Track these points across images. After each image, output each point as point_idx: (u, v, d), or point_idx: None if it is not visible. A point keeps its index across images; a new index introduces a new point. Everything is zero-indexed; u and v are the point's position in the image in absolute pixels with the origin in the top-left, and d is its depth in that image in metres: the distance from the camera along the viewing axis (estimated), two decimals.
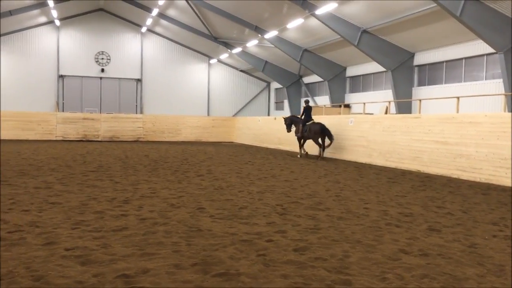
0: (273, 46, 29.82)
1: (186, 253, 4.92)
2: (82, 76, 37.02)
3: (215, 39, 33.47)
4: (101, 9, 36.71)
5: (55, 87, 36.33)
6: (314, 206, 7.95)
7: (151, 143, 29.20)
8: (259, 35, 28.89)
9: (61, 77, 36.50)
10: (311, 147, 19.64)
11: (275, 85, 40.42)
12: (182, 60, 39.52)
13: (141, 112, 37.70)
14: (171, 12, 32.20)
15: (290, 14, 24.57)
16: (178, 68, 39.42)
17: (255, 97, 41.66)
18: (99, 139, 30.38)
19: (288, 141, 23.56)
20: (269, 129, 27.09)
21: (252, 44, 31.48)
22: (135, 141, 30.82)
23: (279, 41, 28.97)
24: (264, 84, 41.80)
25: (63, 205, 7.51)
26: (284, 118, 20.75)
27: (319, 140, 18.20)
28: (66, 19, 35.85)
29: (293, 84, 36.28)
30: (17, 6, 29.33)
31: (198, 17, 30.08)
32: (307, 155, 19.37)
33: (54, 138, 29.50)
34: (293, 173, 13.28)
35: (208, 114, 39.55)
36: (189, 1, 28.13)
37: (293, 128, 19.64)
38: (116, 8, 35.80)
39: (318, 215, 7.17)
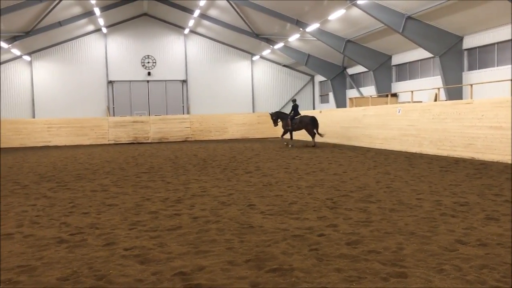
0: (315, 39, 29.58)
1: (239, 249, 5.01)
2: (130, 81, 38.11)
3: (257, 35, 33.57)
4: (145, 14, 37.62)
5: (105, 92, 37.60)
6: (365, 199, 7.86)
7: (199, 142, 29.69)
8: (301, 29, 28.73)
9: (110, 82, 37.72)
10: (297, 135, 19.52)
11: (319, 78, 40.10)
12: (225, 58, 39.90)
13: (188, 113, 38.38)
14: (212, 12, 32.56)
15: (331, 6, 24.28)
16: (222, 67, 39.83)
17: (299, 91, 41.49)
18: (149, 141, 31.19)
19: (336, 133, 23.34)
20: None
21: (294, 39, 31.35)
22: (183, 141, 31.42)
23: (321, 33, 28.69)
24: (308, 77, 41.55)
25: (119, 207, 7.79)
26: (270, 114, 23.44)
27: (311, 130, 21.36)
28: (112, 26, 37.00)
29: (337, 76, 35.86)
30: (66, 16, 30.53)
31: (239, 15, 30.26)
32: (291, 145, 22.16)
33: (107, 142, 30.54)
34: (341, 166, 13.16)
35: (253, 111, 39.76)
36: (230, 0, 28.34)
37: (280, 123, 22.77)
38: (159, 12, 36.58)
39: (369, 208, 7.10)
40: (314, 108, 40.91)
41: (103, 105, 37.56)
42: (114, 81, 37.82)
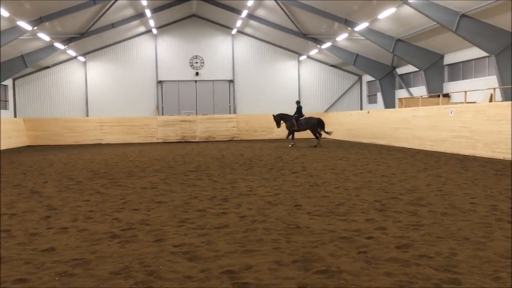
0: (364, 38, 29.10)
1: (286, 250, 5.00)
2: (179, 81, 38.84)
3: (304, 35, 33.40)
4: (193, 15, 38.23)
5: (155, 92, 38.50)
6: (415, 202, 7.66)
7: (245, 142, 29.86)
8: (349, 28, 28.34)
9: (160, 82, 38.59)
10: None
11: (367, 78, 39.42)
12: (272, 58, 39.93)
13: (234, 112, 38.70)
14: (260, 12, 32.67)
15: (381, 4, 23.80)
16: (269, 67, 39.89)
17: (346, 91, 40.93)
18: (196, 140, 31.66)
19: (384, 134, 22.87)
20: (363, 123, 26.49)
21: (342, 38, 30.97)
22: (229, 140, 31.70)
23: (370, 32, 28.19)
24: (356, 77, 40.93)
25: (168, 204, 7.96)
26: (273, 115, 23.94)
27: (318, 130, 22.63)
28: (162, 27, 37.84)
29: (386, 76, 35.11)
30: (119, 18, 31.48)
31: (287, 15, 30.21)
32: (292, 144, 23.04)
33: (156, 141, 31.25)
34: (390, 167, 12.88)
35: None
36: (278, 0, 28.34)
37: (283, 124, 23.54)
38: (207, 12, 37.08)
39: (419, 211, 6.91)
40: (361, 109, 40.26)
41: (153, 105, 38.47)
42: (163, 81, 38.66)
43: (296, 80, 40.30)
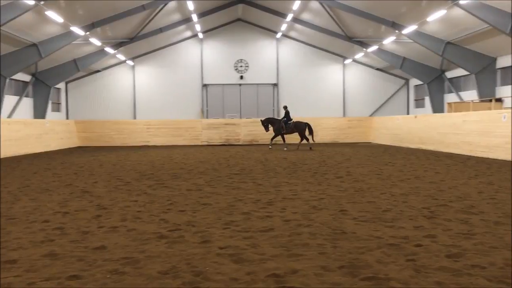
0: (412, 41, 28.48)
1: (332, 255, 4.95)
2: (223, 84, 39.29)
3: (350, 38, 33.04)
4: (239, 19, 38.60)
5: (200, 95, 39.12)
6: (466, 210, 7.40)
7: (289, 145, 29.77)
8: (397, 31, 27.82)
9: (205, 86, 39.17)
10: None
11: (414, 81, 38.54)
12: (317, 62, 39.73)
13: (278, 116, 38.70)
14: (305, 16, 32.59)
15: (430, 6, 23.23)
16: (313, 71, 39.72)
17: (392, 95, 40.16)
18: (240, 143, 31.87)
19: (432, 140, 22.28)
20: (409, 128, 25.90)
21: (388, 41, 30.44)
22: (273, 144, 31.70)
23: (419, 35, 27.55)
24: (402, 81, 40.10)
25: (213, 206, 8.04)
26: (261, 120, 25.43)
27: (306, 134, 24.28)
28: (208, 31, 38.43)
29: (434, 80, 34.20)
30: (166, 23, 32.22)
31: (332, 18, 30.00)
32: (287, 147, 24.73)
33: (200, 143, 31.68)
34: (438, 174, 12.51)
35: (344, 115, 39.16)
36: (323, 3, 28.18)
37: (271, 128, 24.95)
38: (252, 17, 37.35)
39: (471, 219, 6.67)
40: (408, 113, 39.38)
41: (198, 108, 39.06)
42: (208, 85, 39.21)
43: (340, 83, 39.92)
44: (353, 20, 29.51)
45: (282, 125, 24.43)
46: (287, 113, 24.88)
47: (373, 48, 33.16)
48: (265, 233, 5.99)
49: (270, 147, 25.17)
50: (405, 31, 26.95)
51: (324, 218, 6.90)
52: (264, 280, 4.20)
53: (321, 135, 32.54)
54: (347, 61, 39.49)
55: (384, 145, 28.40)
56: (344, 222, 6.57)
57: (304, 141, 24.89)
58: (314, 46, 39.28)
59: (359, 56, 37.31)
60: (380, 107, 39.88)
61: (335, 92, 39.87)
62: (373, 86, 40.19)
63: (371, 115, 38.36)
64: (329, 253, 5.01)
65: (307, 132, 24.47)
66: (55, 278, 4.28)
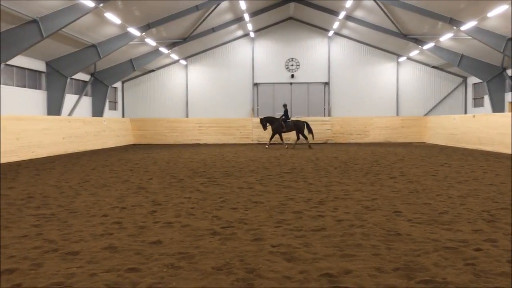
0: (470, 37, 27.39)
1: (387, 256, 4.86)
2: (274, 83, 39.33)
3: (405, 36, 32.21)
4: (290, 18, 38.51)
5: (251, 94, 39.36)
6: None
7: (339, 145, 29.45)
8: (454, 28, 26.84)
9: (256, 85, 39.37)
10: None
11: (472, 80, 37.06)
12: (369, 60, 39.01)
13: (329, 115, 38.34)
14: (358, 13, 32.07)
15: (491, 1, 22.25)
16: (365, 69, 39.03)
17: (449, 94, 38.80)
18: (290, 142, 31.81)
19: (491, 140, 21.36)
20: (467, 127, 24.94)
21: (445, 38, 29.43)
22: (323, 143, 31.46)
23: (478, 31, 26.44)
24: (460, 79, 38.65)
25: (264, 204, 8.09)
26: (260, 118, 25.60)
27: (304, 133, 24.70)
28: (259, 30, 38.60)
29: (494, 78, 32.71)
30: (218, 23, 32.65)
31: (386, 15, 29.34)
32: (287, 145, 25.68)
33: (250, 142, 31.90)
34: (498, 176, 11.98)
35: (397, 114, 38.23)
36: (377, 1, 27.63)
37: (269, 127, 25.23)
38: (304, 15, 37.17)
39: None
40: (465, 112, 37.93)
41: (248, 106, 39.34)
42: (259, 83, 39.39)
43: (394, 82, 39.00)
44: (408, 16, 28.74)
45: (282, 124, 24.72)
46: (285, 112, 25.18)
47: (429, 45, 32.15)
48: (317, 233, 5.97)
49: (267, 146, 25.52)
50: (464, 27, 25.95)
51: (378, 219, 6.78)
52: (317, 279, 4.19)
53: (373, 135, 31.98)
54: (401, 59, 38.51)
55: (439, 145, 27.52)
56: (399, 224, 6.43)
57: (303, 140, 25.60)
58: (367, 44, 38.58)
59: (414, 53, 36.30)
60: (435, 106, 38.64)
61: (388, 90, 39.00)
62: (428, 85, 38.98)
63: (426, 115, 37.25)
64: (383, 255, 4.93)
65: (306, 131, 24.82)
66: (115, 270, 4.46)
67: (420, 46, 33.02)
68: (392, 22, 30.31)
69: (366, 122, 32.43)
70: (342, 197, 8.85)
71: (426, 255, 4.90)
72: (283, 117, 24.94)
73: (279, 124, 24.77)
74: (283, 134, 25.43)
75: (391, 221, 6.60)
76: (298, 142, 25.68)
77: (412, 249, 5.13)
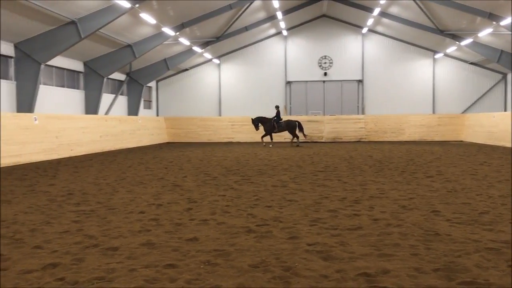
0: (510, 33, 26.48)
1: (426, 257, 4.76)
2: (307, 81, 39.10)
3: (441, 32, 31.43)
4: (323, 15, 38.19)
5: (283, 92, 39.25)
6: None
7: (373, 143, 29.07)
8: (494, 23, 26.00)
9: (288, 83, 39.23)
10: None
11: None
12: (404, 57, 38.26)
13: (363, 113, 37.84)
14: (393, 10, 31.50)
15: None
16: (400, 66, 38.30)
17: (488, 91, 37.63)
18: (323, 140, 31.61)
19: None
20: (506, 125, 24.17)
21: (485, 34, 28.55)
22: (357, 141, 31.12)
23: None
24: (499, 76, 37.44)
25: (299, 203, 8.06)
26: (252, 118, 25.72)
27: (296, 132, 25.50)
28: (292, 28, 38.42)
29: None
30: (251, 21, 32.69)
31: (423, 11, 28.71)
32: (270, 146, 25.65)
33: (283, 140, 31.83)
34: None
35: (433, 112, 37.39)
36: None
37: (261, 127, 25.62)
38: (337, 12, 36.78)
39: None
40: (505, 110, 36.71)
41: (281, 105, 39.25)
42: (291, 82, 39.23)
43: (430, 79, 38.12)
44: (445, 12, 28.03)
45: (274, 124, 25.31)
46: (277, 113, 25.71)
47: (467, 41, 31.27)
48: (353, 232, 5.91)
49: (270, 145, 25.97)
50: (504, 22, 25.11)
51: (415, 218, 6.65)
52: (354, 278, 4.14)
53: (408, 133, 31.42)
54: (438, 56, 37.61)
55: (477, 143, 26.80)
56: (437, 224, 6.29)
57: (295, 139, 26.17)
58: (402, 41, 37.84)
59: (451, 50, 35.38)
60: (473, 103, 37.56)
61: (424, 88, 38.15)
62: (466, 82, 37.92)
63: (463, 112, 36.29)
64: (422, 255, 4.83)
65: (297, 130, 25.51)
66: (153, 266, 4.54)
67: (457, 42, 32.15)
68: (429, 17, 29.63)
69: (401, 120, 31.87)
70: (377, 196, 8.73)
71: (467, 256, 4.78)
72: (275, 118, 25.52)
73: (271, 124, 25.37)
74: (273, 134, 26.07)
75: (429, 221, 6.47)
76: (294, 141, 26.40)
77: (452, 250, 5.01)
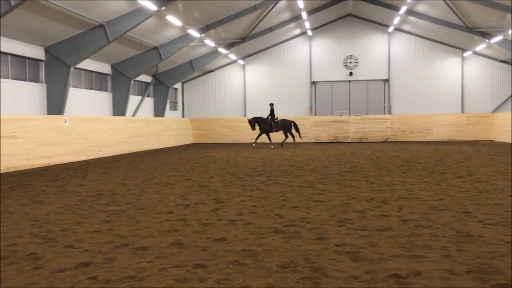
0: None
1: (458, 258, 4.67)
2: (332, 81, 38.85)
3: (470, 29, 30.80)
4: (349, 15, 37.89)
5: (308, 93, 39.09)
6: None
7: (400, 143, 28.70)
8: None
9: (313, 83, 39.06)
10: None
11: None
12: (432, 55, 37.61)
13: (389, 113, 37.37)
14: (420, 7, 31.02)
15: None
16: (428, 65, 37.67)
17: None
18: (349, 141, 31.37)
19: None
20: None
21: None
22: (383, 141, 30.78)
23: None
24: None
25: (326, 203, 8.02)
26: (248, 119, 26.17)
27: (292, 132, 25.85)
28: (317, 28, 38.24)
29: None
30: (276, 22, 32.68)
31: (451, 8, 28.19)
32: (273, 145, 26.19)
33: (308, 140, 31.73)
34: None
35: (462, 111, 36.66)
36: None
37: (257, 127, 25.81)
38: (363, 11, 36.44)
39: None
40: None
41: (306, 105, 39.11)
42: (316, 82, 39.05)
43: (458, 78, 37.39)
44: (474, 9, 27.46)
45: (272, 124, 25.43)
46: (272, 111, 25.70)
47: (497, 38, 30.54)
48: (382, 233, 5.84)
49: (254, 145, 26.51)
50: None
51: (446, 219, 6.53)
52: (385, 280, 4.09)
53: (436, 133, 30.93)
54: (467, 54, 36.86)
55: (508, 143, 26.16)
56: (469, 225, 6.17)
57: (290, 139, 26.46)
58: (429, 39, 37.22)
59: (480, 48, 34.62)
60: (504, 102, 36.63)
61: (452, 87, 37.43)
62: (496, 80, 37.05)
63: (493, 111, 35.48)
64: (454, 256, 4.74)
65: (293, 130, 25.86)
66: (183, 266, 4.58)
67: (487, 40, 31.44)
68: (457, 15, 29.07)
69: (429, 119, 31.39)
70: (406, 196, 8.61)
71: (500, 257, 4.67)
72: (270, 116, 25.58)
73: (267, 124, 25.50)
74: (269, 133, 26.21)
75: (460, 222, 6.34)
76: (286, 141, 26.60)
77: (485, 251, 4.90)
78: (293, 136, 26.02)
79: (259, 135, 26.10)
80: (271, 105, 26.39)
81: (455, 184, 10.16)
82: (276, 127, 25.58)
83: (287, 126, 25.83)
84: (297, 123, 26.38)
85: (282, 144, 26.45)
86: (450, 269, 4.34)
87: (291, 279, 4.14)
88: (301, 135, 26.72)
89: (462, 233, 5.70)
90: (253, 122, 25.77)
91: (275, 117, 25.86)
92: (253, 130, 26.20)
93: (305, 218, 6.80)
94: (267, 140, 27.15)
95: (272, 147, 25.54)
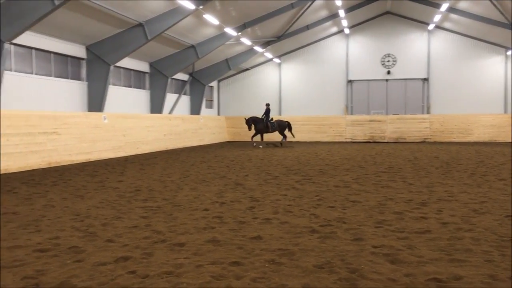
0: None
1: (501, 264, 4.52)
2: (369, 80, 38.28)
3: None
4: (387, 12, 37.23)
5: (344, 92, 38.65)
6: None
7: (439, 144, 28.03)
8: None
9: (350, 82, 38.60)
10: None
11: None
12: (474, 54, 36.50)
13: (428, 112, 36.51)
14: (462, 5, 30.15)
15: None
16: (469, 63, 36.58)
17: None
18: (385, 140, 30.86)
19: None
20: None
21: None
22: (421, 142, 30.13)
23: None
24: None
25: (363, 204, 7.91)
26: (245, 119, 25.43)
27: (285, 132, 25.88)
28: (354, 26, 37.75)
29: None
30: (313, 20, 32.45)
31: (495, 5, 27.29)
32: (261, 146, 25.36)
33: (344, 140, 31.40)
34: None
35: (505, 112, 35.43)
36: None
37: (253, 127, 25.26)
38: (402, 9, 35.72)
39: None
40: None
41: (342, 104, 38.70)
42: (353, 81, 38.57)
43: (502, 76, 36.13)
44: None
45: (268, 124, 25.23)
46: (267, 111, 25.52)
47: None
48: (421, 235, 5.71)
49: (255, 144, 25.95)
50: None
51: (488, 223, 6.33)
52: (424, 283, 4.00)
53: (477, 134, 30.06)
54: (511, 52, 35.60)
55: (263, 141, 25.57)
56: None
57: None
58: (471, 37, 36.12)
59: None
60: None
61: (494, 86, 36.20)
62: None
63: None
64: (497, 261, 4.59)
65: (286, 130, 25.97)
66: (219, 263, 4.61)
67: None
68: (501, 12, 28.10)
69: (470, 120, 30.53)
70: (446, 198, 8.40)
71: None
72: (264, 116, 25.36)
73: (263, 125, 25.29)
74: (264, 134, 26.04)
75: (503, 226, 6.14)
76: (282, 141, 26.45)
77: None
78: (284, 136, 26.00)
79: (254, 135, 25.64)
80: (267, 105, 26.19)
81: (497, 186, 9.84)
82: (271, 127, 25.49)
83: (282, 127, 25.90)
84: (291, 124, 26.57)
85: (281, 144, 26.38)
86: (492, 274, 4.21)
87: (328, 280, 4.11)
88: (293, 134, 26.51)
89: (506, 238, 5.52)
90: (250, 122, 25.35)
91: (270, 118, 25.61)
92: (249, 130, 25.66)
93: (341, 218, 6.74)
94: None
95: (261, 146, 25.32)
